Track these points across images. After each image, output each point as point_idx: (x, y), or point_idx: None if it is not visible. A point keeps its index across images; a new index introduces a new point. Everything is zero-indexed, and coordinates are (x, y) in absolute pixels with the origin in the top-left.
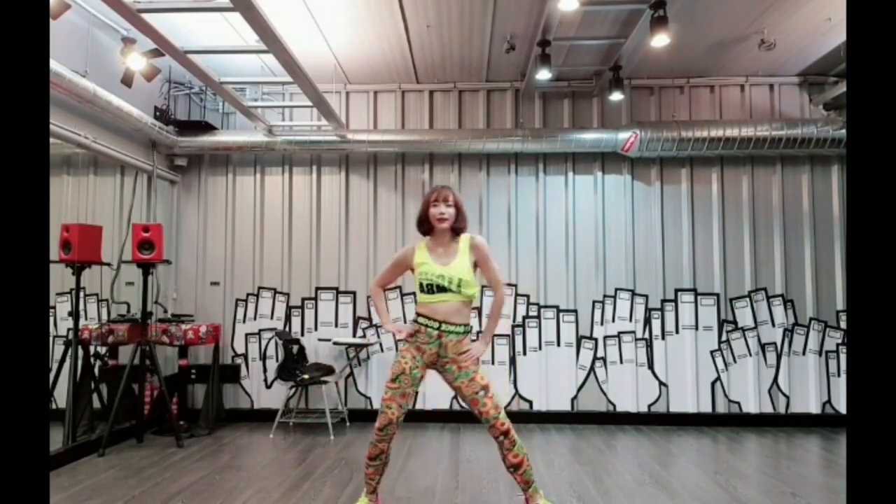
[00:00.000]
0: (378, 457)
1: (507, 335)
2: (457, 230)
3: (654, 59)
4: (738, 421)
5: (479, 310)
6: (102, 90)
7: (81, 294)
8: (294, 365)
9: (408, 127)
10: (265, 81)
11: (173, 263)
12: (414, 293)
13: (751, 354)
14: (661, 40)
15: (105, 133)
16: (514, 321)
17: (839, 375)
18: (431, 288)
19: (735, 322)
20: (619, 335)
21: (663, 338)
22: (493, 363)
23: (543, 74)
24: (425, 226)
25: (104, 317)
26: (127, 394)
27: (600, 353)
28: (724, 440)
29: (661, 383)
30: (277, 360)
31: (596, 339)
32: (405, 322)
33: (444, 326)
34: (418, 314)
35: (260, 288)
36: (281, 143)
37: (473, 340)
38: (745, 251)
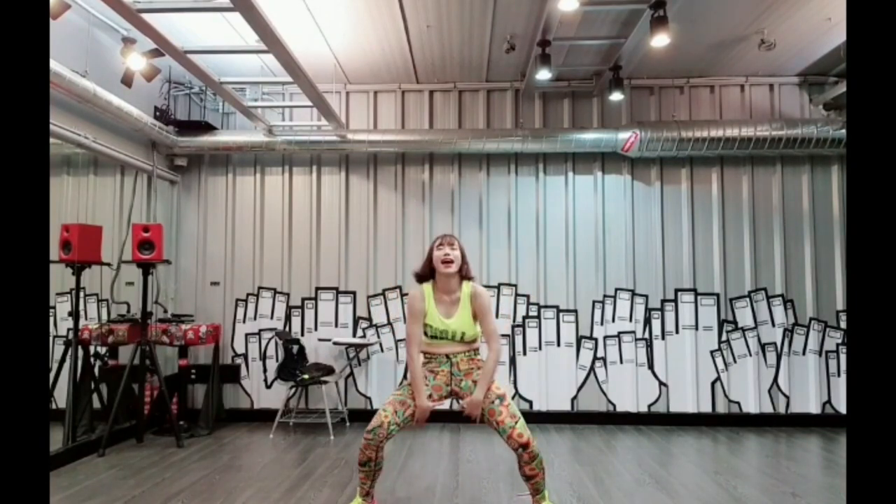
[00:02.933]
0: (367, 463)
1: (507, 335)
2: (463, 275)
3: (654, 59)
4: (738, 421)
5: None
6: (102, 90)
7: (81, 294)
8: (294, 365)
9: (408, 127)
10: (265, 81)
11: (173, 263)
12: None
13: (751, 354)
14: (661, 40)
15: (105, 133)
16: (514, 321)
17: (839, 375)
18: (435, 335)
19: (735, 322)
20: (619, 335)
21: (663, 338)
22: None
23: (543, 74)
24: (426, 270)
25: (104, 317)
26: (127, 394)
27: (600, 353)
28: (724, 440)
29: (661, 383)
30: (277, 360)
31: (596, 339)
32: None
33: (451, 356)
34: (425, 352)
35: (260, 288)
36: (281, 143)
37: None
38: (745, 251)
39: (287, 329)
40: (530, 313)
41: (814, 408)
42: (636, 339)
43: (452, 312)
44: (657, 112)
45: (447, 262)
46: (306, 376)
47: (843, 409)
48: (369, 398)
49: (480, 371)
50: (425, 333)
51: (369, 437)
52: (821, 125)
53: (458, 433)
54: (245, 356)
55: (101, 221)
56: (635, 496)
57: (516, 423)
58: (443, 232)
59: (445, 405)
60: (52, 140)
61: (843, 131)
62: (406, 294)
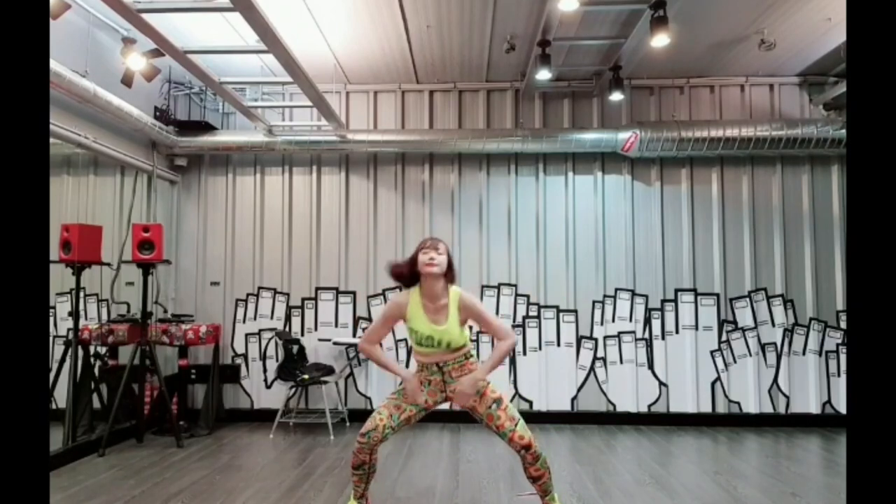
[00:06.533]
0: (360, 467)
1: None
2: (448, 280)
3: (654, 59)
4: (738, 421)
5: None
6: (102, 90)
7: (81, 294)
8: (294, 365)
9: (408, 127)
10: (265, 81)
11: (173, 263)
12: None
13: (751, 354)
14: (661, 40)
15: (105, 133)
16: (514, 321)
17: (839, 375)
18: (421, 342)
19: (735, 322)
20: (619, 335)
21: (663, 338)
22: None
23: (543, 74)
24: (407, 273)
25: (104, 317)
26: (127, 394)
27: (600, 353)
28: (724, 440)
29: (661, 383)
30: (277, 360)
31: (596, 339)
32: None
33: (443, 365)
34: (417, 360)
35: (260, 288)
36: (281, 143)
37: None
38: (745, 251)
39: (287, 329)
40: (530, 313)
41: (814, 408)
42: (636, 339)
43: (439, 320)
44: (657, 112)
45: (431, 265)
46: (306, 376)
47: (843, 409)
48: (369, 398)
49: (492, 354)
50: (413, 340)
51: (363, 440)
52: (821, 125)
53: (458, 433)
54: (245, 356)
55: (101, 221)
56: (635, 496)
57: (516, 425)
58: (432, 235)
59: (445, 406)
60: (52, 140)
61: (843, 131)
62: None
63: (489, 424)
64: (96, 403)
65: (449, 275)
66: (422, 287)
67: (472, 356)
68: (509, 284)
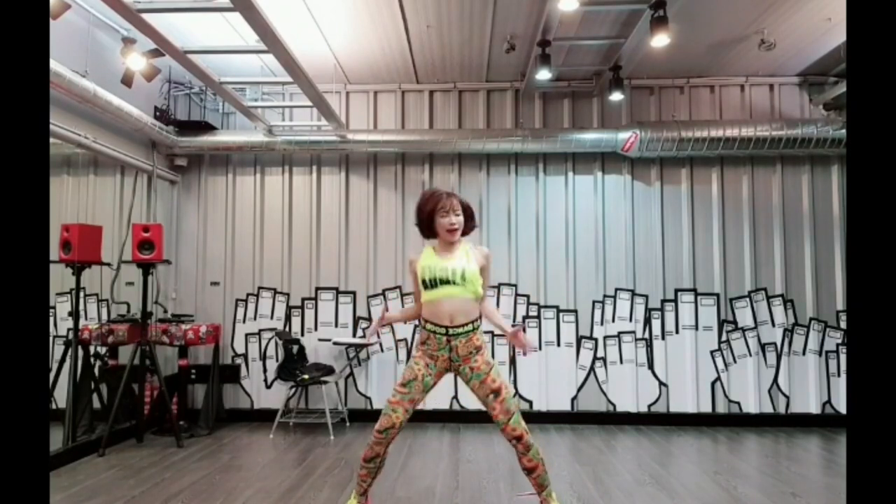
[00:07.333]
0: (373, 459)
1: None
2: (466, 233)
3: (654, 59)
4: (738, 421)
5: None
6: (102, 90)
7: (81, 294)
8: (294, 365)
9: (408, 127)
10: (265, 81)
11: (173, 263)
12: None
13: (751, 354)
14: (661, 40)
15: (105, 133)
16: (513, 321)
17: (839, 375)
18: (434, 281)
19: (735, 322)
20: (619, 335)
21: (663, 338)
22: None
23: (543, 74)
24: (427, 231)
25: (104, 317)
26: (127, 394)
27: (600, 353)
28: (724, 440)
29: (661, 383)
30: (277, 360)
31: (596, 339)
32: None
33: (451, 331)
34: (425, 321)
35: (260, 288)
36: (281, 143)
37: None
38: (745, 251)
39: (287, 329)
40: (530, 313)
41: (814, 408)
42: (636, 339)
43: (453, 257)
44: (657, 112)
45: (452, 230)
46: (306, 376)
47: (843, 409)
48: (369, 398)
49: (489, 318)
50: (425, 286)
51: (381, 436)
52: (821, 125)
53: (458, 433)
54: (245, 356)
55: (101, 221)
56: (635, 496)
57: (509, 419)
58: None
59: (445, 405)
60: (52, 140)
61: (843, 131)
62: (406, 295)
63: (485, 409)
64: (96, 403)
65: (469, 227)
66: (440, 243)
67: (479, 326)
68: (509, 284)
